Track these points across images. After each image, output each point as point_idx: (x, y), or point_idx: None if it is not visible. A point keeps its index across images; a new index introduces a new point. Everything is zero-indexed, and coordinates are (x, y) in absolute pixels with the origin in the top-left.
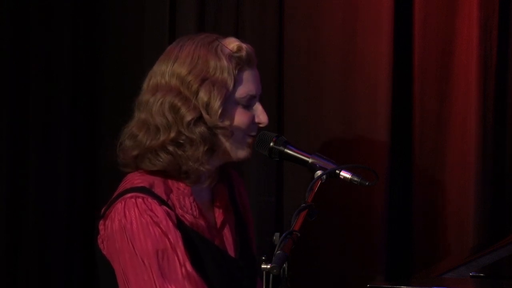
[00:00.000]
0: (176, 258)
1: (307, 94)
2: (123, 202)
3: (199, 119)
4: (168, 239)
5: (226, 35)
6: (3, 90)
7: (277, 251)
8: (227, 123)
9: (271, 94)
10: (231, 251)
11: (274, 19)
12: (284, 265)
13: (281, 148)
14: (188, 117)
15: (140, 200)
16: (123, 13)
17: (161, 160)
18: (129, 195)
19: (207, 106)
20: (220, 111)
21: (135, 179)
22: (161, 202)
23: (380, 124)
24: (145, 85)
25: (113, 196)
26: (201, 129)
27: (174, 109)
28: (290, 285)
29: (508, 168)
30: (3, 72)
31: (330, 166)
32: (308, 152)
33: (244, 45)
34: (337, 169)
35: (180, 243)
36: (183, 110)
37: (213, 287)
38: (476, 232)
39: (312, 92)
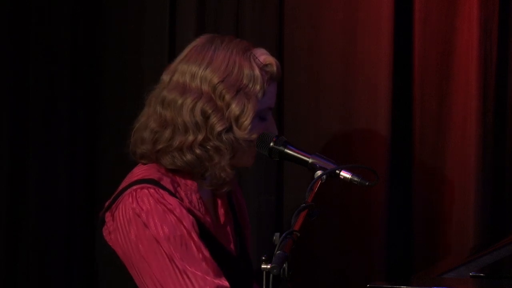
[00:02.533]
0: (192, 243)
1: (307, 94)
2: (133, 193)
3: (228, 129)
4: (183, 225)
5: (226, 35)
6: (3, 90)
7: (277, 251)
8: (254, 136)
9: None
10: (232, 250)
11: (274, 19)
12: (284, 265)
13: (281, 148)
14: (219, 127)
15: (152, 190)
16: (123, 13)
17: (186, 160)
18: (138, 186)
19: (238, 119)
20: (250, 126)
21: (143, 172)
22: (171, 193)
23: (380, 124)
24: (166, 78)
25: (119, 189)
26: (229, 138)
27: (204, 115)
28: (290, 285)
29: (508, 168)
30: (3, 72)
31: (330, 166)
32: (308, 152)
33: (274, 60)
34: (337, 169)
35: (196, 228)
36: (213, 119)
37: None
38: (476, 232)
39: (312, 92)
